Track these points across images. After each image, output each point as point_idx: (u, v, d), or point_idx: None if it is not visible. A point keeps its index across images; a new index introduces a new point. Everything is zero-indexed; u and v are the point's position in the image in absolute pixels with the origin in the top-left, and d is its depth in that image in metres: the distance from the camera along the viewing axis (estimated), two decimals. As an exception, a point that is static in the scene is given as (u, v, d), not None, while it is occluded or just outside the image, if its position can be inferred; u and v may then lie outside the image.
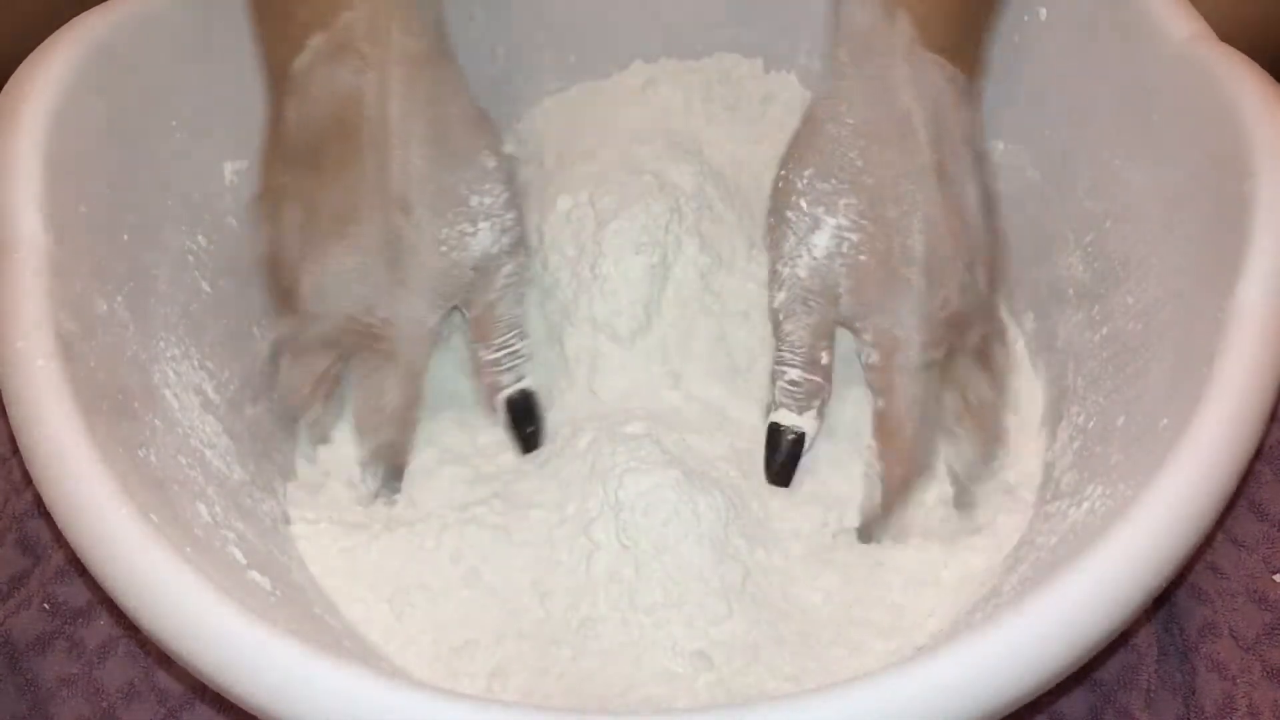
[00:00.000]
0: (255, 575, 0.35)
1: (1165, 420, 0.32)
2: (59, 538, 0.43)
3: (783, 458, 0.42)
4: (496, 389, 0.45)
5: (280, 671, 0.26)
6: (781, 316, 0.42)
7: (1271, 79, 0.36)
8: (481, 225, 0.42)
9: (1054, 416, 0.43)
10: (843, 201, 0.40)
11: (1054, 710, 0.40)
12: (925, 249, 0.40)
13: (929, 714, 0.25)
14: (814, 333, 0.42)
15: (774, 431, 0.42)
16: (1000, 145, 0.47)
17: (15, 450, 0.45)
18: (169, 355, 0.39)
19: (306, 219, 0.41)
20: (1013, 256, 0.47)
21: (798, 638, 0.38)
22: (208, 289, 0.42)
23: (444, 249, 0.42)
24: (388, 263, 0.41)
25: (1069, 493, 0.37)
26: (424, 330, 0.43)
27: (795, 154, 0.42)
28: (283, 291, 0.42)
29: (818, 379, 0.42)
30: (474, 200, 0.42)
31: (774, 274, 0.42)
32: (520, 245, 0.44)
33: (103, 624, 0.42)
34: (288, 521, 0.42)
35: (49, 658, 0.41)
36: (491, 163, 0.43)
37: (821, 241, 0.41)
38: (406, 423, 0.44)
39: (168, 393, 0.38)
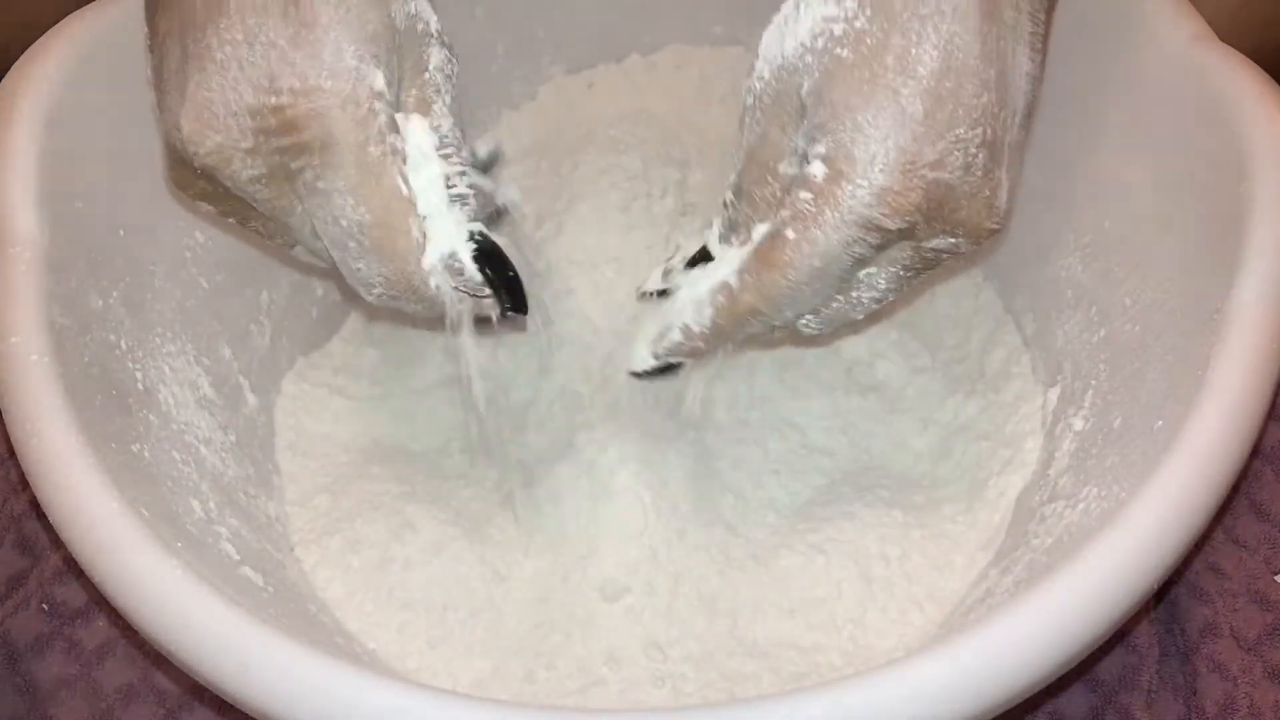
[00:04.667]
0: (248, 571, 0.34)
1: (1160, 422, 0.32)
2: (57, 540, 0.43)
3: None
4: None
5: (274, 669, 0.26)
6: (741, 129, 0.33)
7: (1271, 80, 0.35)
8: None
9: (1052, 419, 0.42)
10: None
11: (1055, 710, 0.39)
12: (937, 67, 0.29)
13: (919, 714, 0.25)
14: (759, 146, 0.33)
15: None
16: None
17: (14, 451, 0.46)
18: (165, 351, 0.39)
19: (181, 50, 0.32)
20: (1013, 258, 0.47)
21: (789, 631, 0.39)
22: (205, 285, 0.42)
23: None
24: (282, 13, 0.30)
25: (1065, 495, 0.37)
26: (363, 89, 0.31)
27: None
28: (177, 162, 0.33)
29: (745, 210, 0.33)
30: None
31: (749, 76, 0.33)
32: (444, 43, 0.34)
33: (101, 625, 0.42)
34: (284, 518, 0.42)
35: (48, 658, 0.41)
36: None
37: (799, 33, 0.31)
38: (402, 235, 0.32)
39: (163, 389, 0.38)
